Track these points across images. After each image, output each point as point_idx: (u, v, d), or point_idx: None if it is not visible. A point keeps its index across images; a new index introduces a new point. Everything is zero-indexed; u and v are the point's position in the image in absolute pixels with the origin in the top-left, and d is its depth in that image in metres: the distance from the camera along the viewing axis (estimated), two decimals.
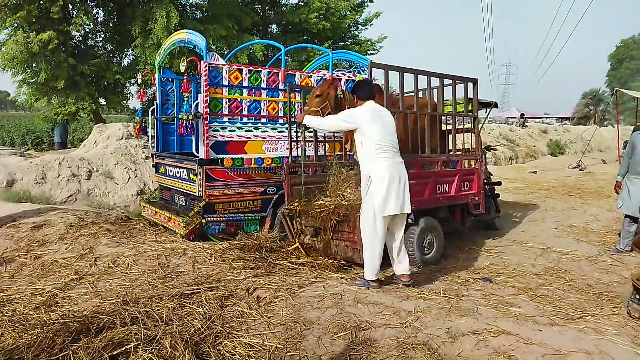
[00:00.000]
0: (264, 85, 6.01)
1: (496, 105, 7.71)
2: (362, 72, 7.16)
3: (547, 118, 46.47)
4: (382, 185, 4.20)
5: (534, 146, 21.95)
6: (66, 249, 5.17)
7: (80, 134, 19.40)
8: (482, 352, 3.18)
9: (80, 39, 13.90)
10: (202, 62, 5.50)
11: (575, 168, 16.34)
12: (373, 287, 4.31)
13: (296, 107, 6.19)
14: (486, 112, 8.11)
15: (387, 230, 4.40)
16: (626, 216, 5.93)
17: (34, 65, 12.44)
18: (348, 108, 4.96)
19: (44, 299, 3.79)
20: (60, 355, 2.77)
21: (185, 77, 5.79)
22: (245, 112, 5.89)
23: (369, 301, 3.93)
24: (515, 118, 32.13)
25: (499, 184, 7.63)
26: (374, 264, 4.33)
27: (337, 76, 6.73)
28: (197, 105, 5.92)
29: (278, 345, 3.18)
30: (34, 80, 12.73)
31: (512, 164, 19.04)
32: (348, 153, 5.79)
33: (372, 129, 4.29)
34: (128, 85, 14.88)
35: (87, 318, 3.26)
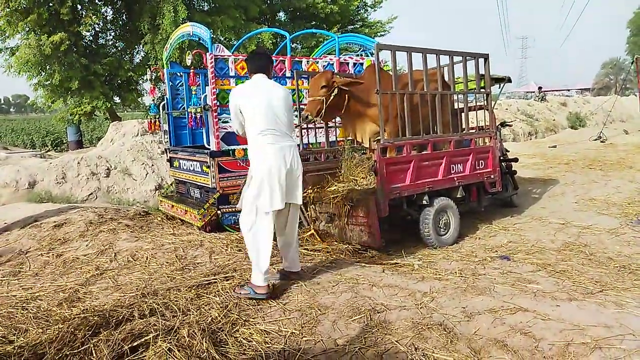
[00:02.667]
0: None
1: (509, 80, 7.54)
2: (369, 55, 7.08)
3: (566, 90, 45.41)
4: (263, 175, 3.59)
5: (553, 120, 21.47)
6: (86, 246, 5.28)
7: (98, 133, 19.73)
8: (498, 330, 3.16)
9: (91, 38, 14.08)
10: (207, 54, 5.51)
11: (595, 140, 15.92)
12: (260, 296, 3.61)
13: (304, 93, 6.16)
14: (499, 88, 7.95)
15: (277, 228, 3.88)
16: None
17: (47, 67, 12.66)
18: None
19: (66, 295, 3.89)
20: (82, 348, 2.85)
21: (192, 70, 5.81)
22: None
23: (384, 284, 3.93)
24: (533, 92, 31.45)
25: (516, 160, 7.50)
26: (260, 266, 3.64)
27: (345, 60, 6.67)
28: (205, 97, 5.95)
29: (293, 331, 3.21)
30: (48, 82, 12.97)
31: (531, 139, 18.68)
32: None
33: (250, 107, 3.65)
34: (141, 81, 15.03)
35: (106, 311, 3.34)
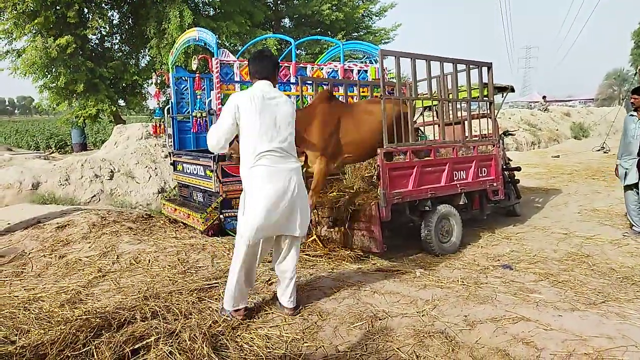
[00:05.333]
0: None
1: (512, 89, 7.55)
2: (374, 62, 7.11)
3: (569, 100, 45.40)
4: (258, 200, 3.19)
5: (557, 130, 21.45)
6: (89, 248, 5.29)
7: (102, 135, 19.80)
8: (500, 339, 3.15)
9: (97, 41, 14.18)
10: (213, 59, 5.55)
11: (598, 150, 15.93)
12: (236, 318, 3.36)
13: (308, 99, 6.19)
14: (502, 97, 7.97)
15: (274, 252, 3.55)
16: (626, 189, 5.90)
17: (53, 69, 12.74)
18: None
19: (68, 297, 3.89)
20: (83, 350, 2.85)
21: (197, 75, 5.85)
22: None
23: (385, 291, 3.93)
24: (537, 102, 31.45)
25: (518, 169, 7.50)
26: (233, 291, 3.34)
27: (349, 67, 6.70)
28: (209, 102, 5.98)
29: (295, 336, 3.21)
30: (54, 84, 13.04)
31: (534, 148, 18.66)
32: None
33: (251, 122, 3.16)
34: (146, 85, 15.11)
35: (108, 313, 3.35)
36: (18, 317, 3.41)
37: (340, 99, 6.57)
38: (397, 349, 3.03)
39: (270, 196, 3.18)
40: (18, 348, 2.88)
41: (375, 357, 2.95)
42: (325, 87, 5.62)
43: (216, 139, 3.22)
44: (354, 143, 4.91)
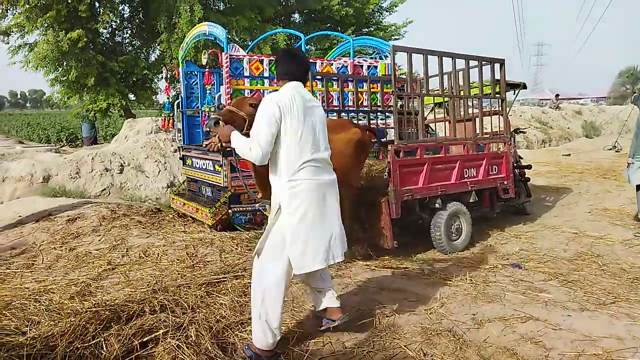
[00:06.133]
0: None
1: (525, 86, 7.48)
2: (384, 58, 7.08)
3: (581, 98, 44.91)
4: (299, 221, 2.76)
5: (568, 128, 21.25)
6: (99, 241, 5.34)
7: (112, 129, 19.92)
8: (508, 338, 3.14)
9: (108, 36, 14.22)
10: (223, 53, 5.54)
11: (610, 149, 15.74)
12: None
13: (317, 95, 6.17)
14: (514, 94, 7.89)
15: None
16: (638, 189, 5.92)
17: (65, 63, 12.79)
18: None
19: (78, 289, 3.94)
20: (93, 342, 2.88)
21: (207, 70, 5.85)
22: None
23: (393, 288, 3.93)
24: (549, 99, 31.13)
25: (529, 167, 7.43)
26: (265, 326, 2.81)
27: (359, 62, 6.67)
28: (219, 96, 5.98)
29: (302, 331, 3.22)
30: (65, 78, 13.10)
31: (544, 146, 18.50)
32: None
33: (295, 128, 2.75)
34: (156, 80, 15.15)
35: (118, 306, 3.38)
36: (29, 309, 3.46)
37: (351, 95, 6.55)
38: (405, 346, 3.03)
39: (315, 213, 2.79)
40: (29, 339, 2.91)
41: (382, 354, 2.95)
42: None
43: (262, 153, 2.70)
44: None
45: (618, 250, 5.25)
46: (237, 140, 2.84)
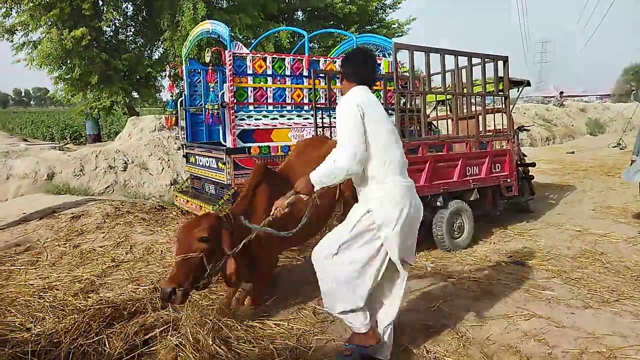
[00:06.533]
0: (288, 72, 6.00)
1: (528, 84, 7.45)
2: (387, 56, 7.06)
3: (585, 96, 44.70)
4: (397, 223, 2.63)
5: (572, 125, 21.15)
6: (103, 238, 5.36)
7: (116, 127, 19.97)
8: (511, 335, 3.14)
9: (111, 34, 14.24)
10: (226, 51, 5.54)
11: (614, 147, 15.66)
12: (366, 351, 2.77)
13: (320, 92, 6.16)
14: (518, 91, 7.86)
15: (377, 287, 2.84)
16: None
17: (68, 61, 12.82)
18: None
19: (82, 286, 3.95)
20: (96, 339, 2.89)
21: (210, 67, 5.85)
22: (270, 100, 5.91)
23: None
24: (553, 97, 30.99)
25: (533, 165, 7.41)
26: (359, 314, 2.72)
27: None
28: (222, 94, 5.98)
29: (305, 328, 3.23)
30: (68, 76, 13.14)
31: (548, 144, 18.43)
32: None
33: (378, 129, 2.66)
34: (159, 77, 15.17)
35: (121, 303, 3.39)
36: (33, 305, 3.48)
37: None
38: (408, 343, 3.03)
39: (408, 215, 2.67)
40: (33, 335, 2.93)
41: None
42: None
43: (358, 158, 2.57)
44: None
45: (622, 247, 5.23)
46: (316, 171, 2.64)
